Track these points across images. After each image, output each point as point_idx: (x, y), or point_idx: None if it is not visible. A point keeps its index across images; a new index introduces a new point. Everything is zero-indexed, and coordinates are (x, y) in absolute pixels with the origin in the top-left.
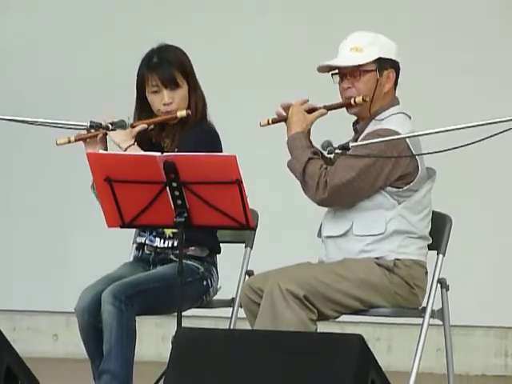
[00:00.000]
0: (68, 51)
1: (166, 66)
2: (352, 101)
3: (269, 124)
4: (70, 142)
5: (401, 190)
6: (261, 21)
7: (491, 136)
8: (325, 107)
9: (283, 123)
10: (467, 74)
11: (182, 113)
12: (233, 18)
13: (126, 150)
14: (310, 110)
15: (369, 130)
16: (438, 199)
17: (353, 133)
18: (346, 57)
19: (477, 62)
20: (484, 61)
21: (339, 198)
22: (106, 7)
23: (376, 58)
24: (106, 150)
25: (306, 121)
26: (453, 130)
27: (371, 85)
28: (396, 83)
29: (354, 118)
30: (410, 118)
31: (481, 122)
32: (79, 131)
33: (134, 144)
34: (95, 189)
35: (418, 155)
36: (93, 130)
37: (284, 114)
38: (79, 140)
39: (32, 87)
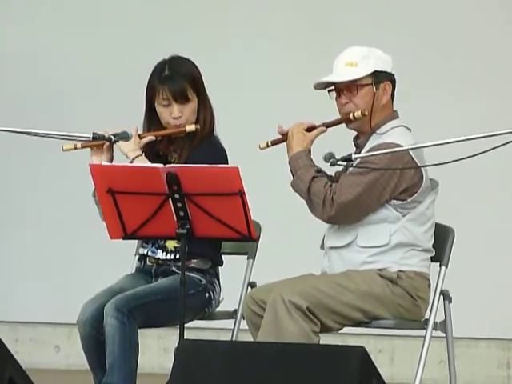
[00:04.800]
0: (73, 57)
1: (177, 78)
2: (351, 116)
3: (268, 146)
4: (76, 148)
5: (405, 202)
6: (264, 36)
7: (494, 148)
8: (324, 124)
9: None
10: (468, 87)
11: (190, 127)
12: (239, 30)
13: (133, 160)
14: (310, 129)
15: (370, 144)
16: (441, 211)
17: (354, 148)
18: (342, 72)
19: (478, 73)
20: (486, 72)
21: (346, 214)
22: (110, 11)
23: (371, 71)
24: (111, 158)
25: (306, 140)
26: (455, 142)
27: (368, 99)
28: (393, 96)
29: (354, 133)
30: (410, 130)
31: (483, 134)
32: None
33: (141, 155)
34: (98, 199)
35: (422, 167)
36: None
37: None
38: (85, 147)
39: (36, 93)
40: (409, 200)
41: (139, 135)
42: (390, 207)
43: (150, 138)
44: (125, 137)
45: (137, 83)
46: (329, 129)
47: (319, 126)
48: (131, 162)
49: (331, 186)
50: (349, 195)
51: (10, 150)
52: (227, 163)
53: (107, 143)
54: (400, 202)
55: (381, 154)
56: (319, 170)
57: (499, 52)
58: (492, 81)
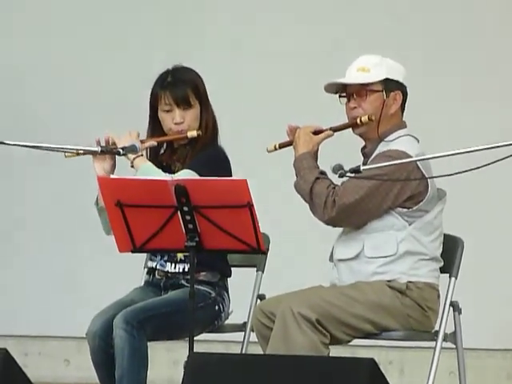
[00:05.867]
0: (80, 69)
1: (179, 85)
2: (358, 120)
3: (276, 149)
4: (78, 154)
5: (411, 210)
6: (264, 35)
7: (504, 158)
8: (331, 129)
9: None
10: (477, 97)
11: (192, 133)
12: (246, 35)
13: (134, 159)
14: (317, 132)
15: (378, 151)
16: (450, 222)
17: (361, 158)
18: (353, 76)
19: (487, 84)
20: (494, 84)
21: (347, 217)
22: (110, 11)
23: (383, 78)
24: (114, 165)
25: (312, 142)
26: (463, 153)
27: (377, 105)
28: (403, 108)
29: (363, 142)
30: (418, 141)
31: (492, 145)
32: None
33: (141, 155)
34: (101, 208)
35: (429, 178)
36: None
37: (291, 137)
38: (87, 154)
39: (44, 105)
40: (414, 208)
41: (141, 141)
42: (396, 215)
43: (151, 143)
44: (133, 150)
45: (137, 85)
46: (337, 138)
47: (326, 129)
48: (132, 162)
49: (334, 187)
50: (350, 198)
51: (14, 154)
52: (230, 172)
53: None
54: (406, 210)
55: (388, 165)
56: (323, 172)
57: (509, 61)
58: (499, 91)
